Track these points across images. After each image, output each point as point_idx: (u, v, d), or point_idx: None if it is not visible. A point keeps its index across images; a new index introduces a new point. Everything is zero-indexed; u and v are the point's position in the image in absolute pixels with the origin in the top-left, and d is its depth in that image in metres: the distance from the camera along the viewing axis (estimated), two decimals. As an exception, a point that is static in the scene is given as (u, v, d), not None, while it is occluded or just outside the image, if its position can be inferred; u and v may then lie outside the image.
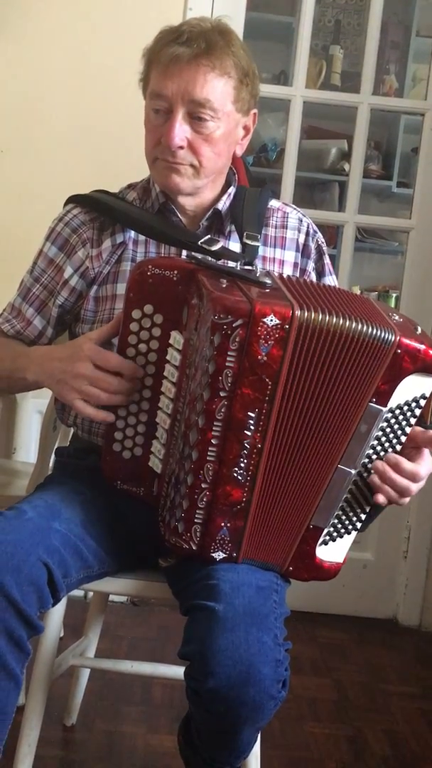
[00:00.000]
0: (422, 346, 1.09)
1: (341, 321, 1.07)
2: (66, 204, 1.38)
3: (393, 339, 1.08)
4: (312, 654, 2.20)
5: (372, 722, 1.90)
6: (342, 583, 2.39)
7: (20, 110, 2.24)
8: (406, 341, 1.08)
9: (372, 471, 1.14)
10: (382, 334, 1.07)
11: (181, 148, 1.24)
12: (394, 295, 3.08)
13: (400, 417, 1.13)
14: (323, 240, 1.43)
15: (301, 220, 1.41)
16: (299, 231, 1.39)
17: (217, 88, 1.23)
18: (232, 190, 1.36)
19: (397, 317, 1.13)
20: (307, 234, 1.40)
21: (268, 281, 1.10)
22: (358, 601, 2.46)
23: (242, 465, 1.08)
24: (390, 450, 1.14)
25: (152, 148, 1.28)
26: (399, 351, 1.08)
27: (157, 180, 1.32)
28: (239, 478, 1.09)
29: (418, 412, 1.14)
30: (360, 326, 1.07)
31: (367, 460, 1.14)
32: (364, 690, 2.05)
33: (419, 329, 1.13)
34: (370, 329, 1.07)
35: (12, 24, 2.21)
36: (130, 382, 1.14)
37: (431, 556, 2.45)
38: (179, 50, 1.21)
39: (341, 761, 1.73)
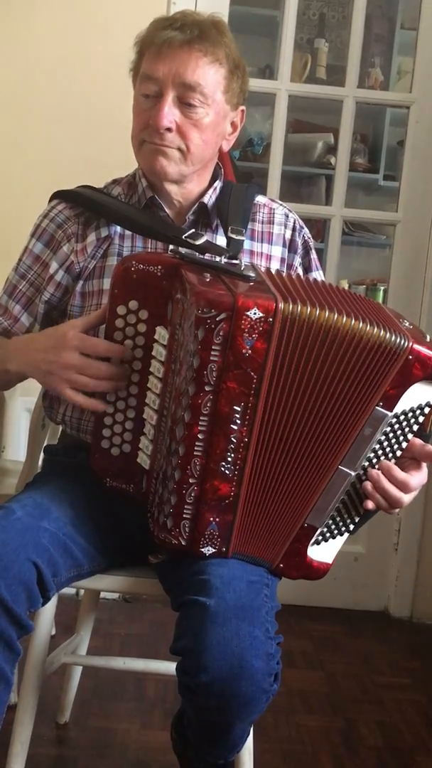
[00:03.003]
0: None
1: (335, 316, 1.06)
2: (51, 200, 1.38)
3: (406, 344, 1.07)
4: (304, 647, 2.20)
5: (364, 714, 1.90)
6: (333, 576, 2.36)
7: (4, 105, 2.23)
8: (418, 348, 1.08)
9: (368, 477, 1.14)
10: (396, 339, 1.07)
11: (170, 130, 1.24)
12: (382, 288, 3.08)
13: (404, 423, 1.13)
14: (310, 236, 1.43)
15: (288, 216, 1.40)
16: (286, 226, 1.39)
17: (208, 74, 1.24)
18: (218, 184, 1.36)
19: (407, 323, 1.13)
20: (294, 229, 1.40)
21: (253, 275, 1.10)
22: (350, 593, 2.47)
23: (229, 459, 1.08)
24: (390, 456, 1.14)
25: (139, 132, 1.28)
26: (410, 357, 1.08)
27: (143, 164, 1.31)
28: (227, 472, 1.09)
29: (421, 419, 1.14)
30: (371, 328, 1.07)
31: (367, 464, 1.13)
32: (356, 682, 2.05)
33: (428, 337, 1.13)
34: (382, 332, 1.07)
35: (-5, 20, 2.20)
36: (120, 366, 1.14)
37: (422, 548, 2.46)
38: (172, 34, 1.22)
39: (334, 753, 1.74)
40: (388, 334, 1.07)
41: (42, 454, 1.54)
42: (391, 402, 1.10)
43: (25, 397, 2.10)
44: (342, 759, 1.72)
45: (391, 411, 1.10)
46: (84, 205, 1.33)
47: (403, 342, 1.08)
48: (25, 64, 2.22)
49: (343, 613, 2.44)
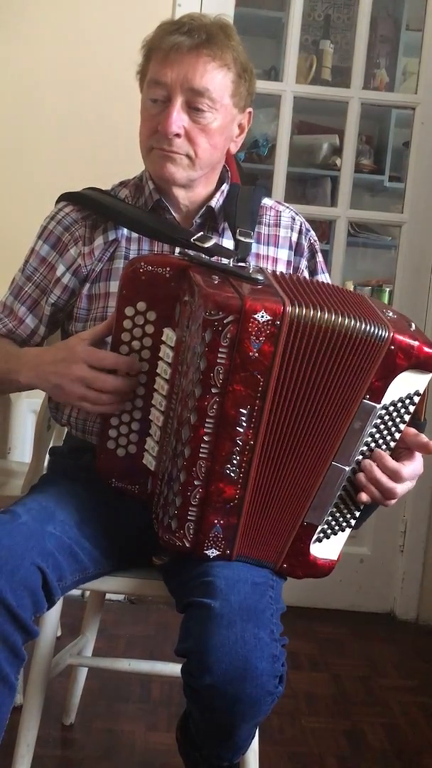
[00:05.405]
0: (416, 343, 1.09)
1: (333, 317, 1.06)
2: (58, 202, 1.38)
3: (386, 335, 1.07)
4: (310, 649, 2.20)
5: (370, 716, 1.90)
6: (339, 577, 2.39)
7: (11, 108, 2.24)
8: (400, 337, 1.08)
9: (361, 467, 1.13)
10: (376, 331, 1.07)
11: (178, 136, 1.24)
12: (388, 289, 3.07)
13: (394, 414, 1.13)
14: (316, 238, 1.43)
15: (294, 219, 1.40)
16: (292, 229, 1.39)
17: (216, 79, 1.24)
18: (225, 187, 1.36)
19: (391, 313, 1.12)
20: (300, 232, 1.40)
21: (261, 278, 1.10)
22: (356, 595, 2.47)
23: (235, 462, 1.08)
24: (384, 447, 1.14)
25: (148, 138, 1.28)
26: (392, 347, 1.07)
27: (151, 170, 1.31)
28: (232, 475, 1.09)
29: (411, 408, 1.13)
30: (353, 322, 1.06)
31: (360, 457, 1.13)
32: (362, 684, 2.05)
33: (413, 325, 1.12)
34: (363, 325, 1.06)
35: (4, 22, 2.20)
36: (129, 378, 1.14)
37: (428, 549, 2.46)
38: (180, 39, 1.22)
39: (340, 756, 1.73)
40: (368, 327, 1.06)
41: (47, 456, 1.54)
42: (378, 394, 1.09)
43: (31, 399, 2.11)
44: (347, 761, 1.72)
45: (379, 403, 1.10)
46: (91, 208, 1.33)
47: (383, 333, 1.07)
48: (30, 68, 2.23)
49: (349, 615, 2.44)
